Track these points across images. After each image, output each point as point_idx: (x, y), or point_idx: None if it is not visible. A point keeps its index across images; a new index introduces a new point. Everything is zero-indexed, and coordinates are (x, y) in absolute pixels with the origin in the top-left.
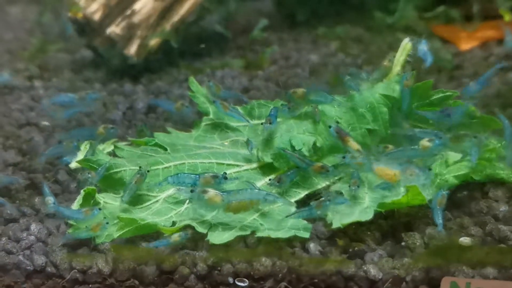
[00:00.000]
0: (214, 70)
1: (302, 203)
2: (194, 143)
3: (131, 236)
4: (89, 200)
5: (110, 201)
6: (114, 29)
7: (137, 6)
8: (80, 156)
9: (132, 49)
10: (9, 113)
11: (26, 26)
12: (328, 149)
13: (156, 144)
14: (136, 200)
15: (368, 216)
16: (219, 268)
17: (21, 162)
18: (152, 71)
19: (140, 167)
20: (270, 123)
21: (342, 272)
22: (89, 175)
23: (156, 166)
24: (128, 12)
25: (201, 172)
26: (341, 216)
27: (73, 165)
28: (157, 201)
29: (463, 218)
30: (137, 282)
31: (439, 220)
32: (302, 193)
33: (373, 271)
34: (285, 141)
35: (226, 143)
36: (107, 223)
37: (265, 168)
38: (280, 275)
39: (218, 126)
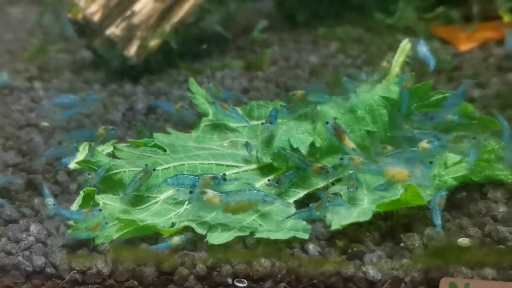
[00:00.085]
0: (214, 71)
1: (301, 203)
2: (194, 144)
3: (131, 237)
4: (89, 201)
5: (110, 202)
6: (114, 30)
7: (136, 7)
8: (79, 157)
9: (132, 50)
10: (9, 114)
11: (26, 27)
12: (327, 149)
13: (155, 145)
14: (136, 201)
15: (366, 217)
16: (218, 269)
17: (21, 163)
18: (152, 72)
19: (146, 164)
20: (270, 123)
21: (341, 273)
22: (89, 176)
23: (155, 167)
24: (128, 13)
25: (201, 173)
26: (340, 217)
27: (72, 166)
28: (156, 202)
29: (462, 219)
30: (136, 283)
31: (438, 220)
32: (301, 193)
33: (372, 272)
34: (284, 141)
35: (225, 144)
36: (106, 223)
37: (264, 169)
38: (279, 276)
39: (218, 127)
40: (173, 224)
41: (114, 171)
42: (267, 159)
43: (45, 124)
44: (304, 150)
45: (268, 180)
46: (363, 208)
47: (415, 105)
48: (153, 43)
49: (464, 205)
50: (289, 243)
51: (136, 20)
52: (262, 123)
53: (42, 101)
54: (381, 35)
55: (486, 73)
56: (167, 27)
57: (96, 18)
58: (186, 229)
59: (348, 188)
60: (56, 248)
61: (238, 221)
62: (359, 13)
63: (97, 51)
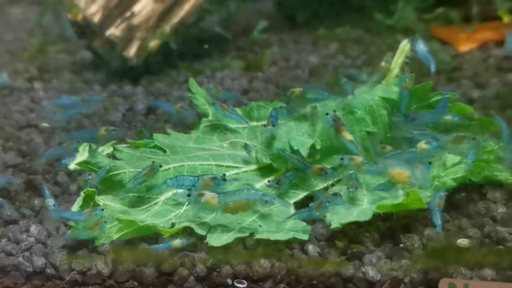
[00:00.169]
0: (213, 71)
1: (300, 205)
2: (193, 145)
3: (130, 238)
4: (89, 202)
5: (110, 203)
6: (114, 31)
7: (136, 8)
8: (79, 158)
9: (132, 51)
10: (9, 114)
11: (26, 27)
12: (327, 151)
13: (155, 146)
14: (136, 201)
15: (367, 216)
16: (218, 270)
17: (21, 163)
18: (151, 72)
19: (153, 161)
20: (272, 126)
21: (340, 273)
22: (89, 177)
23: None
24: (128, 14)
25: (200, 174)
26: (340, 217)
27: (72, 166)
28: (156, 203)
29: (461, 219)
30: (136, 284)
31: (438, 221)
32: (300, 195)
33: (371, 273)
34: (284, 143)
35: (225, 145)
36: (105, 222)
37: (264, 170)
38: (279, 276)
39: (217, 128)
40: (173, 225)
41: (114, 172)
42: (267, 160)
43: (45, 124)
44: (304, 152)
45: (268, 181)
46: (363, 208)
47: (415, 106)
48: (153, 43)
49: (463, 206)
50: (288, 244)
51: (136, 21)
52: (264, 125)
53: (43, 101)
54: (381, 35)
55: (485, 74)
56: (167, 27)
57: (96, 19)
58: (186, 229)
59: (348, 188)
60: (56, 249)
61: (237, 222)
62: (359, 13)
63: (97, 52)
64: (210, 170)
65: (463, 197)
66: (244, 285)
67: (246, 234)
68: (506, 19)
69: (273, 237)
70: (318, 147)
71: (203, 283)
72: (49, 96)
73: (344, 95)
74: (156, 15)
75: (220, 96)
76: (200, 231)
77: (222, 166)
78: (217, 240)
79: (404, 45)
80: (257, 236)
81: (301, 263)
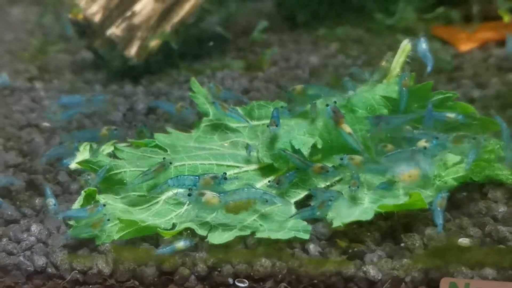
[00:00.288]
0: (214, 71)
1: (301, 204)
2: (194, 144)
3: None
4: (90, 201)
5: (111, 202)
6: (114, 31)
7: (137, 7)
8: (80, 157)
9: (132, 51)
10: (10, 114)
11: (27, 27)
12: (328, 150)
13: (156, 146)
14: (136, 200)
15: (368, 216)
16: (219, 269)
17: (22, 163)
18: (152, 72)
19: (164, 158)
20: (275, 126)
21: (341, 273)
22: (89, 177)
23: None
24: (128, 13)
25: (201, 174)
26: (341, 216)
27: (73, 166)
28: (157, 202)
29: (462, 219)
30: (137, 283)
31: (439, 221)
32: (301, 194)
33: (372, 272)
34: (285, 142)
35: (226, 144)
36: (108, 219)
37: (265, 170)
38: (280, 276)
39: (218, 127)
40: (174, 225)
41: (115, 171)
42: (268, 160)
43: (46, 124)
44: (305, 151)
45: (269, 181)
46: (365, 208)
47: (415, 105)
48: (154, 43)
49: (464, 205)
50: (289, 243)
51: (136, 20)
52: (267, 125)
53: (44, 101)
54: (381, 35)
55: (486, 74)
56: (168, 27)
57: (97, 18)
58: (187, 229)
59: (349, 187)
60: (57, 248)
61: (239, 221)
62: (359, 13)
63: (98, 52)
64: (211, 170)
65: (464, 196)
66: (245, 285)
67: (247, 233)
68: (506, 18)
69: (274, 236)
70: (319, 146)
71: (204, 282)
72: (49, 96)
73: (345, 93)
74: (156, 14)
75: (220, 95)
76: (201, 231)
77: (222, 165)
78: (218, 238)
79: (405, 44)
80: (258, 235)
81: (302, 263)
